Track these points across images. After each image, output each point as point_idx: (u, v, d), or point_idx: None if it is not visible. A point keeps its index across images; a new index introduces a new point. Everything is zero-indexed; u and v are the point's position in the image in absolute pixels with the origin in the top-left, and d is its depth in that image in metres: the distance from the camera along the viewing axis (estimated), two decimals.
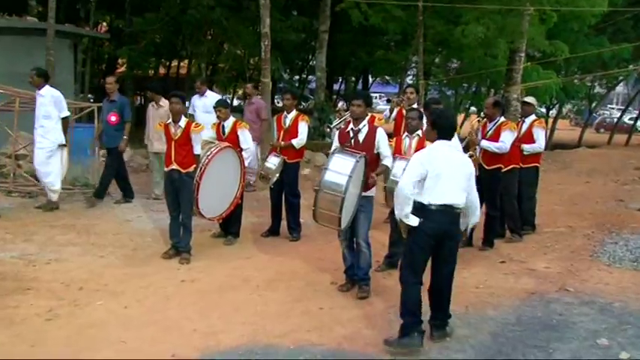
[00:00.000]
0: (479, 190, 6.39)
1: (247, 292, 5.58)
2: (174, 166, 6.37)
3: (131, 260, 6.49)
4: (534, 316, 5.16)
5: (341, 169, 5.00)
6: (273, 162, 7.28)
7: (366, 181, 5.34)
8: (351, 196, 5.09)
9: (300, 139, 7.44)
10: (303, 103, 24.90)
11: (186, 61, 22.01)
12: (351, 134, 5.51)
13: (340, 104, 28.88)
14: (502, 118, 7.16)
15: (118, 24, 17.78)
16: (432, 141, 4.54)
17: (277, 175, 7.30)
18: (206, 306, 5.25)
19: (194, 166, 6.38)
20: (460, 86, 23.80)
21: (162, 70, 22.43)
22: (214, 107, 7.31)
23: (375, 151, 5.50)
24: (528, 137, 7.69)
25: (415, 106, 8.14)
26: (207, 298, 5.43)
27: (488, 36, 14.57)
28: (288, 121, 7.46)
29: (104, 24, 21.15)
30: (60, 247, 6.76)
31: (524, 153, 7.64)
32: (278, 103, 23.65)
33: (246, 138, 7.11)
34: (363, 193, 5.37)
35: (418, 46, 16.36)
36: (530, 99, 8.24)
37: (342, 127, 5.83)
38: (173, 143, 6.40)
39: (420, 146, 5.98)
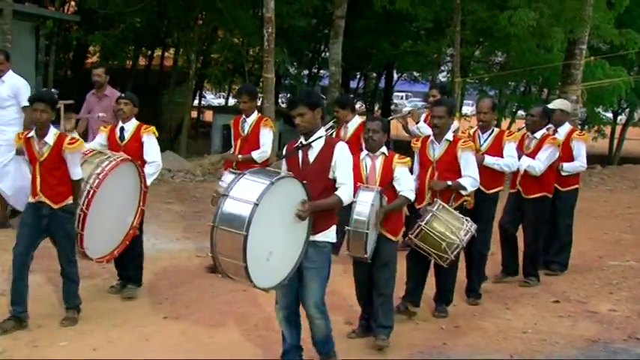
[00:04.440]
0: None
1: (243, 333, 5.62)
2: (42, 199, 5.48)
3: (102, 292, 6.55)
4: None
5: (246, 194, 4.14)
6: (228, 180, 7.08)
7: (313, 220, 4.52)
8: (264, 236, 4.19)
9: (262, 152, 7.11)
10: None
11: (172, 51, 22.22)
12: (300, 152, 4.71)
13: (358, 105, 29.07)
14: (496, 129, 6.77)
15: (90, 4, 18.01)
16: None
17: None
18: (193, 349, 5.29)
19: (71, 196, 5.54)
20: (505, 85, 23.82)
21: (142, 61, 22.65)
22: (117, 100, 6.66)
23: (331, 176, 4.65)
24: (565, 153, 7.50)
25: None
26: (195, 339, 5.47)
27: (541, 23, 14.60)
28: (247, 127, 7.20)
29: (72, 4, 21.43)
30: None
31: (563, 173, 7.47)
32: (283, 103, 23.75)
33: (152, 147, 6.45)
34: (312, 237, 4.55)
35: (454, 35, 16.44)
36: (560, 103, 7.92)
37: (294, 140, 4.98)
38: (37, 166, 5.49)
39: (387, 168, 5.38)
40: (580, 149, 7.57)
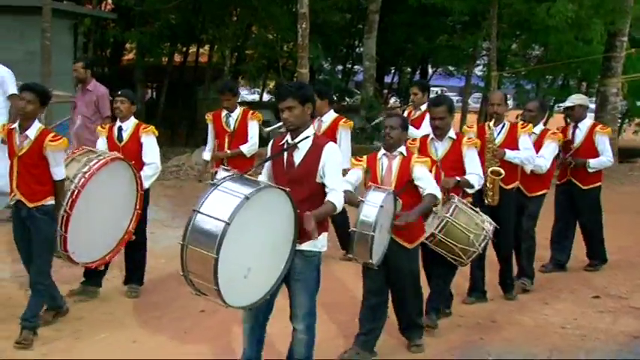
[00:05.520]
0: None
1: (281, 326, 5.58)
2: (18, 197, 5.17)
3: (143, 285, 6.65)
4: None
5: (217, 211, 3.75)
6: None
7: (299, 229, 4.12)
8: (240, 253, 3.86)
9: (251, 145, 7.17)
10: (347, 99, 24.98)
11: (207, 47, 22.39)
12: (285, 153, 4.32)
13: (392, 100, 28.94)
14: (507, 122, 6.52)
15: (127, 2, 18.30)
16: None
17: None
18: (230, 341, 5.35)
19: (51, 197, 5.20)
20: (543, 79, 23.55)
21: (177, 58, 22.86)
22: (115, 97, 6.38)
23: (319, 180, 4.27)
24: (588, 148, 7.37)
25: (424, 107, 7.72)
26: (232, 332, 5.51)
27: (580, 15, 14.41)
28: (233, 122, 7.28)
29: (109, 1, 21.73)
30: (57, 267, 6.93)
31: (590, 170, 7.32)
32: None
33: (152, 148, 6.25)
34: (299, 246, 4.21)
35: (490, 29, 16.32)
36: (578, 98, 7.71)
37: (279, 135, 4.66)
38: (16, 160, 5.16)
39: (404, 169, 5.08)
40: (605, 143, 7.41)
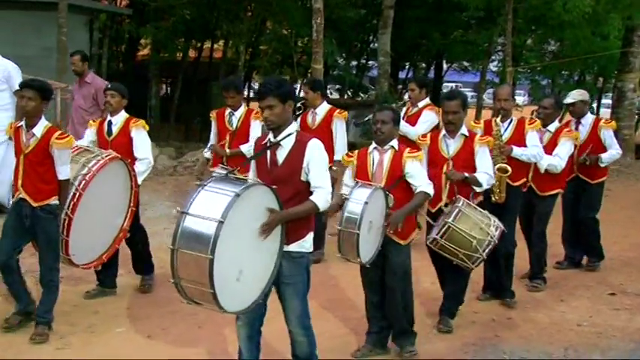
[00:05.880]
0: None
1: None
2: (22, 195, 5.13)
3: (156, 280, 6.66)
4: None
5: (208, 210, 3.63)
6: None
7: (286, 228, 4.06)
8: (233, 254, 3.72)
9: (251, 145, 7.04)
10: (362, 95, 24.94)
11: (221, 43, 22.43)
12: (268, 152, 4.20)
13: (407, 96, 28.90)
14: (515, 118, 6.39)
15: None
16: None
17: None
18: None
19: (55, 197, 5.17)
20: (559, 74, 23.40)
21: (192, 53, 22.93)
22: (106, 90, 6.32)
23: (304, 179, 4.14)
24: (594, 143, 7.25)
25: (422, 104, 7.75)
26: None
27: (597, 10, 14.35)
28: (235, 121, 7.10)
29: None
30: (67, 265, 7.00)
31: (601, 164, 7.23)
32: (331, 94, 23.71)
33: (143, 142, 6.18)
34: (285, 248, 4.09)
35: (506, 24, 16.22)
36: (579, 94, 7.54)
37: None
38: (22, 158, 5.13)
39: (396, 163, 4.93)
40: (611, 137, 7.34)
